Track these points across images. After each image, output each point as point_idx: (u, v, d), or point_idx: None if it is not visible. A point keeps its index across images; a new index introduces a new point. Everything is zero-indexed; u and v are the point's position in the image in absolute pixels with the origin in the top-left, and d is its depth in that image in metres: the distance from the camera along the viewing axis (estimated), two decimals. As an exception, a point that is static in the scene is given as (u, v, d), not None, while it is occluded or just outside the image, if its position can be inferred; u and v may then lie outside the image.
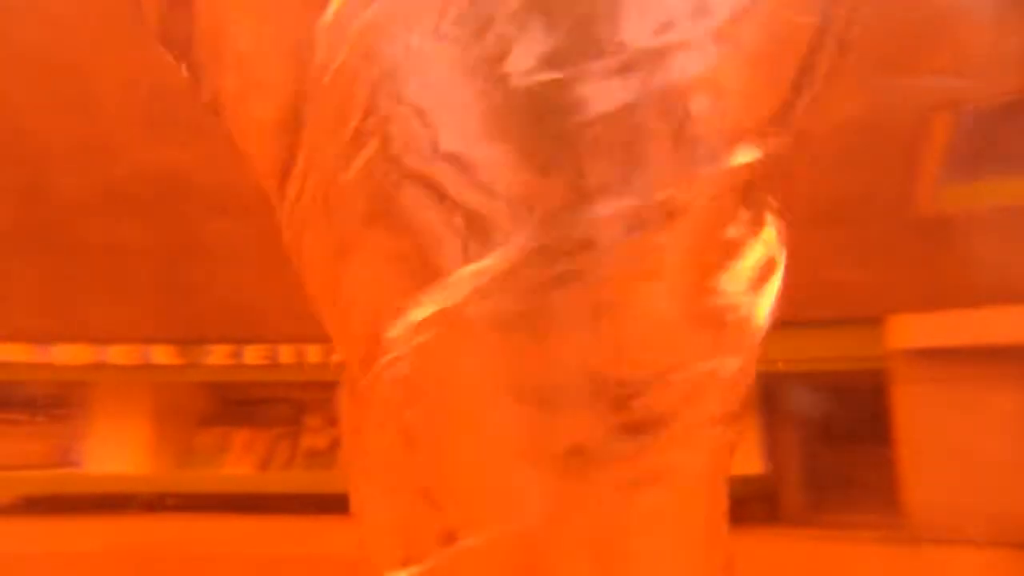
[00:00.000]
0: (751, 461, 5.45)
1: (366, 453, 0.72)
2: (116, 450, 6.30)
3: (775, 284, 0.71)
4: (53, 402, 6.60)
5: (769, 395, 5.56)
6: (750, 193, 0.71)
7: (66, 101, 5.88)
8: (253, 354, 5.97)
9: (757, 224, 0.70)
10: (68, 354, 5.94)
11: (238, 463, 6.47)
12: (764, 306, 0.70)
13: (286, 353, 5.90)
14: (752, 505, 5.29)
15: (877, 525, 4.74)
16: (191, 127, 5.54)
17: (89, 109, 5.91)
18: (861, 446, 5.18)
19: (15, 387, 6.58)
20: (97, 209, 5.98)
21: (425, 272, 0.67)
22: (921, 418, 4.77)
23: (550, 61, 0.64)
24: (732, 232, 0.69)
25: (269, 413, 6.55)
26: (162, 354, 6.06)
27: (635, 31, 0.65)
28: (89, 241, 5.98)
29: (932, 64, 5.16)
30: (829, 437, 5.41)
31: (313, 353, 5.61)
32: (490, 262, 0.65)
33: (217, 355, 6.06)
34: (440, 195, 0.67)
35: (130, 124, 5.89)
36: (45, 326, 5.90)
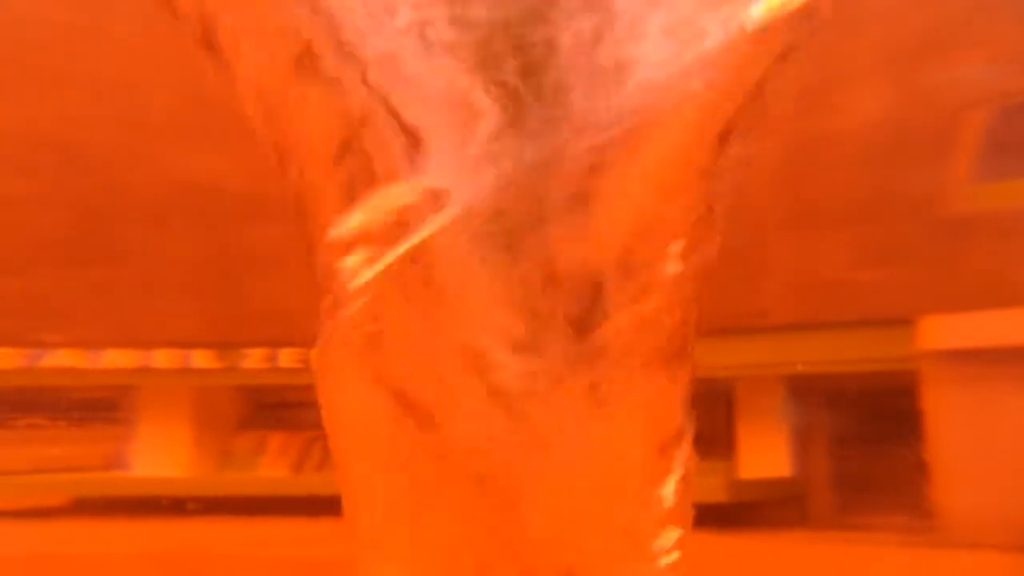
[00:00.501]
0: (778, 464, 5.43)
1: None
2: (160, 453, 6.47)
3: None
4: (103, 406, 6.81)
5: (797, 397, 5.54)
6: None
7: (111, 114, 6.08)
8: (287, 357, 6.09)
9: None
10: (117, 359, 6.13)
11: (273, 466, 6.61)
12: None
13: (319, 357, 6.00)
14: (780, 508, 5.27)
15: (907, 528, 4.70)
16: (228, 136, 5.69)
17: (133, 121, 6.11)
18: (890, 448, 5.14)
19: (68, 392, 6.81)
20: (142, 218, 6.17)
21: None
22: (952, 420, 4.72)
23: None
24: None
25: (302, 416, 6.67)
26: (202, 358, 6.21)
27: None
28: (134, 249, 6.18)
29: (961, 60, 5.10)
30: (858, 439, 5.37)
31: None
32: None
33: (253, 359, 6.20)
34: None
35: (171, 134, 6.07)
36: (95, 332, 6.10)
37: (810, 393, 5.53)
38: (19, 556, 4.28)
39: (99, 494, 6.33)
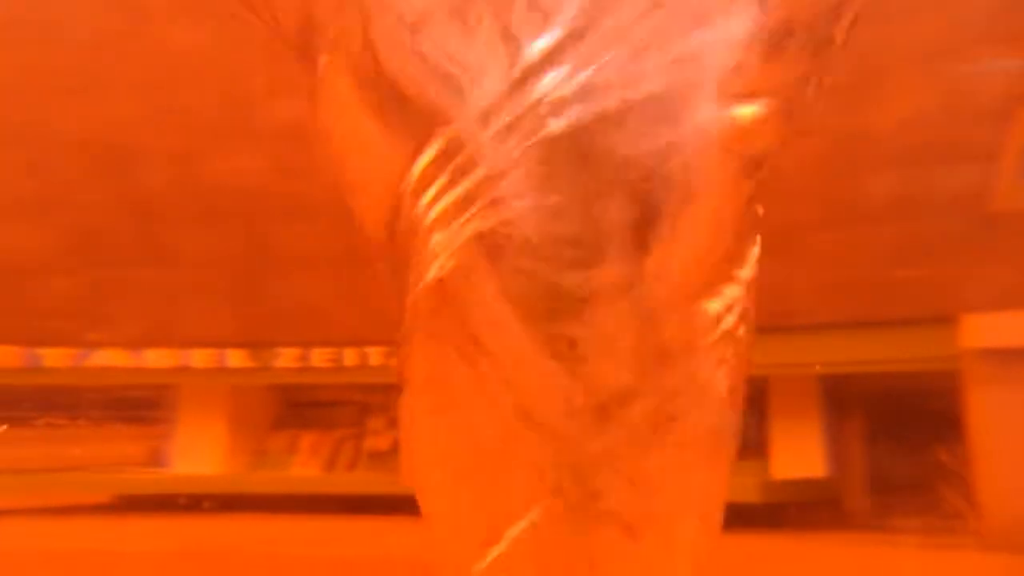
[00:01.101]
0: (814, 464, 5.34)
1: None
2: (198, 452, 6.58)
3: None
4: (146, 405, 6.96)
5: (832, 396, 5.44)
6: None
7: (156, 118, 6.22)
8: (319, 357, 6.15)
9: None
10: (157, 358, 6.26)
11: (305, 465, 6.68)
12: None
13: (350, 356, 6.06)
14: (814, 509, 5.18)
15: (945, 531, 4.60)
16: (265, 138, 5.78)
17: (177, 125, 6.23)
18: (930, 449, 5.03)
19: (111, 391, 6.97)
20: (182, 220, 6.30)
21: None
22: (996, 420, 4.60)
23: None
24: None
25: (334, 416, 6.74)
26: (237, 358, 6.31)
27: None
28: (175, 250, 6.31)
29: (1004, 55, 4.97)
30: (896, 439, 5.26)
31: (375, 355, 5.75)
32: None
33: (286, 358, 6.27)
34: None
35: (214, 135, 6.18)
36: (137, 331, 6.24)
37: (846, 393, 5.44)
38: (64, 552, 4.38)
39: (140, 491, 6.46)
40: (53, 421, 7.23)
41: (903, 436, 5.21)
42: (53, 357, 6.14)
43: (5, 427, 6.90)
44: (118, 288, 6.26)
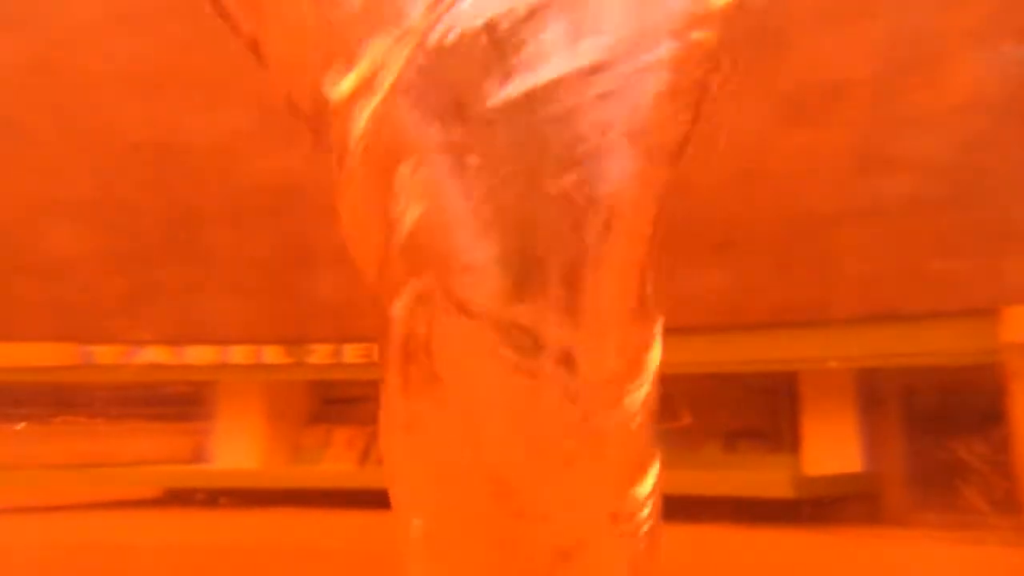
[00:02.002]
0: (848, 459, 5.27)
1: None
2: (237, 447, 6.69)
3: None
4: (189, 400, 7.09)
5: (870, 390, 5.35)
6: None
7: (202, 114, 6.32)
8: (352, 353, 6.20)
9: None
10: (198, 355, 6.36)
11: (339, 459, 6.76)
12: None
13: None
14: (851, 504, 5.11)
15: (986, 526, 4.51)
16: (302, 135, 5.82)
17: (222, 121, 6.32)
18: (970, 443, 4.93)
19: (157, 387, 7.12)
20: (223, 219, 6.40)
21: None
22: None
23: None
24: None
25: (367, 410, 6.79)
26: (272, 354, 6.39)
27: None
28: (215, 248, 6.42)
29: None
30: (935, 433, 5.16)
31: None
32: None
33: (319, 354, 6.34)
34: None
35: (252, 134, 6.26)
36: (179, 329, 6.36)
37: (884, 386, 5.35)
38: (106, 545, 4.48)
39: (186, 486, 6.58)
40: (69, 419, 7.36)
41: (942, 430, 5.12)
42: (104, 354, 6.28)
43: (23, 424, 7.03)
44: (158, 286, 6.39)
